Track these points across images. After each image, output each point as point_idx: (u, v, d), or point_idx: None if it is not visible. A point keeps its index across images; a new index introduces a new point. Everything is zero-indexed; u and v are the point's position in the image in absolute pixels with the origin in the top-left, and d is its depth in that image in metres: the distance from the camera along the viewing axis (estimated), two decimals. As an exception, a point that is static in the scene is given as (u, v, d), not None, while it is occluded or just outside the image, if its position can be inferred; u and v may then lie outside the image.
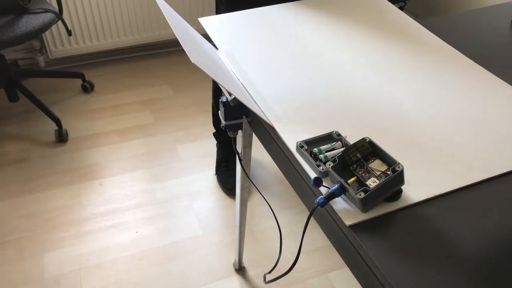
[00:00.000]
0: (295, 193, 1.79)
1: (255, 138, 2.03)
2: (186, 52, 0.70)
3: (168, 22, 0.77)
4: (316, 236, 1.63)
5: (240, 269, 1.52)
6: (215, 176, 1.84)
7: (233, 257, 1.56)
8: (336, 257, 1.56)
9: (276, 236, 1.63)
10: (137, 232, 1.63)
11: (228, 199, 1.76)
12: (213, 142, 2.00)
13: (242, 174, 1.17)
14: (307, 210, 1.72)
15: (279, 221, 1.69)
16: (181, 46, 2.64)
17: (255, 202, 1.75)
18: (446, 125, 0.84)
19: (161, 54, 2.60)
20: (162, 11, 0.82)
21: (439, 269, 0.61)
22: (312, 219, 1.73)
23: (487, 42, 1.11)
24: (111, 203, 1.73)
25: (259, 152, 1.96)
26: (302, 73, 0.97)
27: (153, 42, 2.53)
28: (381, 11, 1.20)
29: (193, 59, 0.69)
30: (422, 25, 1.17)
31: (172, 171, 1.87)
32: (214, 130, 1.83)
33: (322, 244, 1.60)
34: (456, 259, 0.62)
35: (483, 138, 0.82)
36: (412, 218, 0.68)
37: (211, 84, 2.34)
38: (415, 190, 0.72)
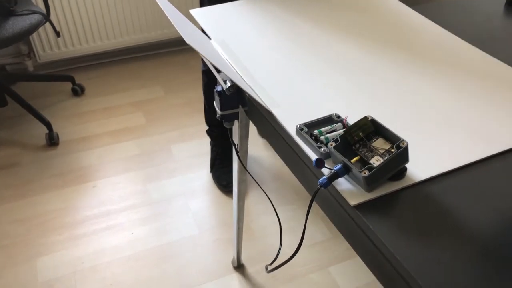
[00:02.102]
0: (291, 189, 1.77)
1: (250, 133, 2.01)
2: (181, 34, 0.68)
3: (161, 5, 0.75)
4: (316, 230, 1.61)
5: (239, 267, 1.49)
6: (210, 174, 1.81)
7: (231, 255, 1.53)
8: (336, 251, 1.54)
9: (274, 233, 1.61)
10: (132, 233, 1.60)
11: (224, 197, 1.74)
12: (207, 141, 1.98)
13: (239, 167, 1.15)
14: (304, 206, 1.70)
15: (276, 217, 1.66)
16: (171, 48, 2.62)
17: (252, 199, 1.72)
18: (449, 103, 0.83)
19: (151, 56, 2.58)
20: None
21: (448, 246, 0.59)
22: (311, 211, 1.69)
23: (483, 26, 1.11)
24: (105, 205, 1.70)
25: (254, 148, 1.95)
26: (297, 59, 0.96)
27: (143, 44, 2.50)
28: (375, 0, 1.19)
29: (187, 40, 0.67)
30: (416, 11, 1.16)
31: (166, 171, 1.85)
32: (207, 128, 1.81)
33: (322, 238, 1.58)
34: (464, 236, 0.61)
35: (487, 114, 0.80)
36: (418, 196, 0.67)
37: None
38: (419, 169, 0.70)
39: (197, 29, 0.97)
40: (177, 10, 0.92)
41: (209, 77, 1.61)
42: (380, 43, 1.01)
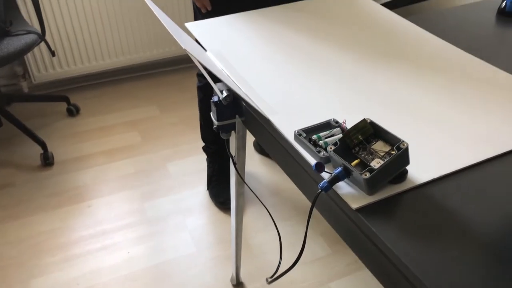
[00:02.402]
0: (289, 205, 1.75)
1: (246, 149, 2.00)
2: (177, 40, 0.67)
3: (156, 14, 0.74)
4: (316, 246, 1.58)
5: (238, 284, 1.46)
6: (207, 191, 1.79)
7: (230, 272, 1.50)
8: (337, 267, 1.51)
9: (272, 249, 1.58)
10: (128, 252, 1.57)
11: (221, 214, 1.71)
12: (203, 158, 1.96)
13: (237, 180, 1.14)
14: (303, 221, 1.68)
15: (275, 234, 1.64)
16: (166, 67, 2.63)
17: (249, 216, 1.70)
18: (446, 107, 0.83)
19: (146, 75, 2.58)
20: (151, 8, 0.80)
21: (452, 247, 0.58)
22: (310, 227, 1.67)
23: (475, 34, 1.11)
24: (100, 225, 1.67)
25: (250, 165, 1.93)
26: (291, 68, 0.96)
27: (138, 64, 2.51)
28: (365, 9, 1.20)
29: (183, 46, 0.67)
30: (410, 21, 1.17)
31: (162, 189, 1.82)
32: (203, 145, 1.79)
33: (322, 254, 1.55)
34: (469, 237, 0.59)
35: (485, 117, 0.80)
36: (420, 198, 0.65)
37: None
38: (420, 171, 0.69)
39: (192, 40, 0.97)
40: (173, 22, 0.92)
41: (204, 93, 1.61)
42: (374, 51, 1.01)
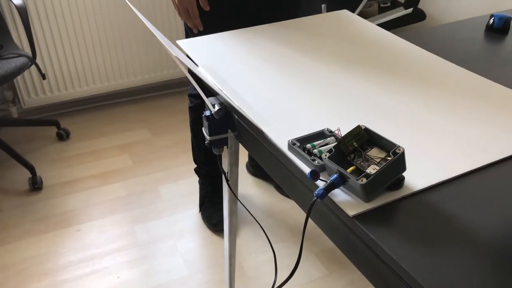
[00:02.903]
0: (284, 226, 1.72)
1: (239, 172, 1.98)
2: (168, 49, 0.67)
3: (147, 25, 0.74)
4: (311, 267, 1.55)
5: (232, 308, 1.41)
6: (199, 214, 1.76)
7: (224, 296, 1.45)
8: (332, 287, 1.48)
9: (267, 271, 1.54)
10: (119, 277, 1.52)
11: (214, 237, 1.68)
12: (195, 180, 1.94)
13: (229, 197, 1.11)
14: (297, 242, 1.65)
15: (270, 255, 1.60)
16: (157, 92, 2.63)
17: (243, 237, 1.67)
18: (440, 117, 0.82)
19: (138, 100, 2.58)
20: (143, 20, 0.80)
21: (453, 253, 0.56)
22: (305, 248, 1.63)
23: (465, 49, 1.13)
24: (90, 249, 1.62)
25: (243, 187, 1.91)
26: (282, 81, 0.95)
27: (130, 88, 2.51)
28: (357, 27, 1.21)
29: (174, 54, 0.66)
30: (401, 37, 1.18)
31: (153, 212, 1.79)
32: (195, 167, 1.77)
33: (318, 275, 1.52)
34: (469, 242, 0.58)
35: (480, 127, 0.79)
36: (418, 205, 0.64)
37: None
38: (418, 178, 0.68)
39: (184, 55, 0.97)
40: (164, 36, 0.92)
41: (196, 114, 1.60)
42: (367, 66, 1.01)
